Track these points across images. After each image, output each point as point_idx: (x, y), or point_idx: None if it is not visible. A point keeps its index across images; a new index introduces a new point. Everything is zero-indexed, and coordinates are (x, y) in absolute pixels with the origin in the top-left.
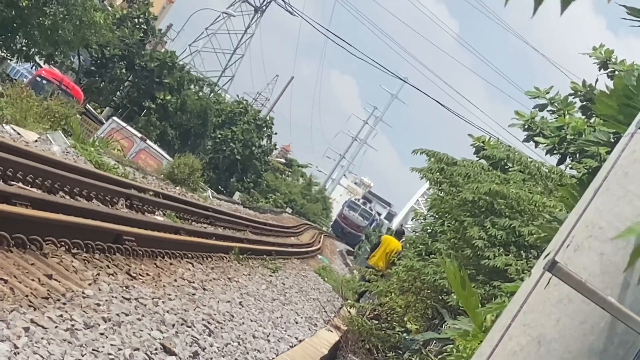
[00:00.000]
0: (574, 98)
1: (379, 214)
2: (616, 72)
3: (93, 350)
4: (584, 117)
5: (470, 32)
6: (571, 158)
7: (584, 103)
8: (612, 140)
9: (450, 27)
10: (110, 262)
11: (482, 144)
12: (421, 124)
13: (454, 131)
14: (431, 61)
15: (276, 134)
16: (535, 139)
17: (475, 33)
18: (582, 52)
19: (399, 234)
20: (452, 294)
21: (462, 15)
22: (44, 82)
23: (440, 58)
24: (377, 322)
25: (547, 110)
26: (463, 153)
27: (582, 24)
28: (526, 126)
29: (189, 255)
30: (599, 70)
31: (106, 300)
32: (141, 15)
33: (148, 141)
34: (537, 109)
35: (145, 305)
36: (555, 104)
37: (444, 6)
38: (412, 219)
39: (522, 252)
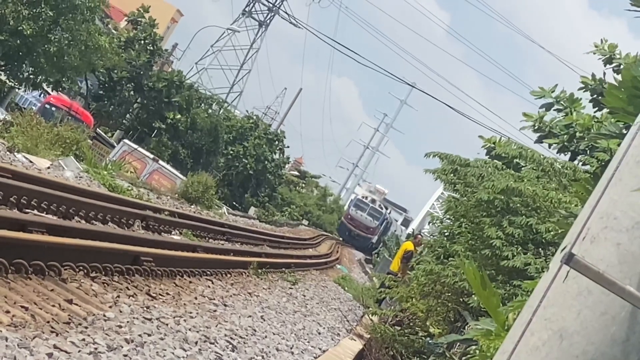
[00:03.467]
0: (584, 92)
1: (396, 220)
2: (622, 66)
3: None
4: (595, 109)
5: (459, 23)
6: (582, 154)
7: (594, 97)
8: (624, 132)
9: (441, 19)
10: (129, 283)
11: (493, 145)
12: (423, 124)
13: (455, 129)
14: (425, 57)
15: (288, 147)
16: (546, 140)
17: (464, 24)
18: (587, 52)
19: (409, 237)
20: (473, 296)
21: (451, 6)
22: (53, 109)
23: (434, 53)
24: (399, 328)
25: (554, 109)
26: (467, 150)
27: (565, 5)
28: (536, 127)
29: (208, 272)
30: (604, 65)
31: (128, 322)
32: (146, 37)
33: (160, 161)
34: (543, 109)
35: (167, 325)
36: (562, 102)
37: None
38: (428, 223)
39: (540, 249)
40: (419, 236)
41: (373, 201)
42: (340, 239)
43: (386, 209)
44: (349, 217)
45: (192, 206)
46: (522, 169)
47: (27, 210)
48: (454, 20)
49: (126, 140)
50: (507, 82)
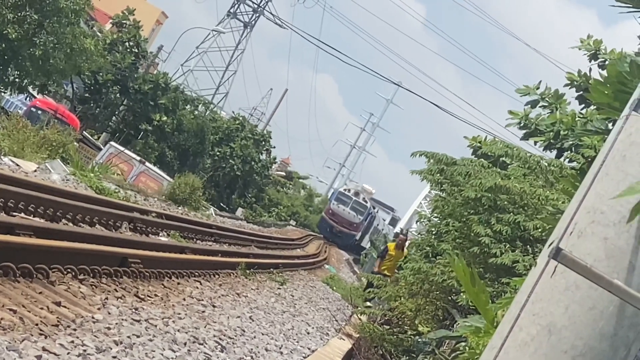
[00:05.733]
0: (570, 88)
1: (384, 220)
2: (606, 62)
3: None
4: (581, 106)
5: (434, 16)
6: (569, 151)
7: (580, 93)
8: (610, 128)
9: (417, 12)
10: (117, 285)
11: (478, 144)
12: (406, 121)
13: (437, 123)
14: (404, 53)
15: (274, 147)
16: (532, 137)
17: (439, 16)
18: (572, 47)
19: (396, 236)
20: (462, 294)
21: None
22: (39, 112)
23: (413, 48)
24: (388, 327)
25: (540, 106)
26: (449, 143)
27: None
28: (522, 124)
29: (196, 273)
30: (590, 61)
31: (116, 324)
32: (131, 39)
33: (147, 163)
34: (529, 106)
35: (155, 326)
36: (547, 99)
37: None
38: (416, 222)
39: (528, 246)
40: (401, 236)
41: (356, 194)
42: (321, 236)
43: (373, 208)
44: (330, 212)
45: (180, 207)
46: (509, 167)
47: (14, 214)
48: (429, 12)
49: (113, 143)
50: (483, 74)
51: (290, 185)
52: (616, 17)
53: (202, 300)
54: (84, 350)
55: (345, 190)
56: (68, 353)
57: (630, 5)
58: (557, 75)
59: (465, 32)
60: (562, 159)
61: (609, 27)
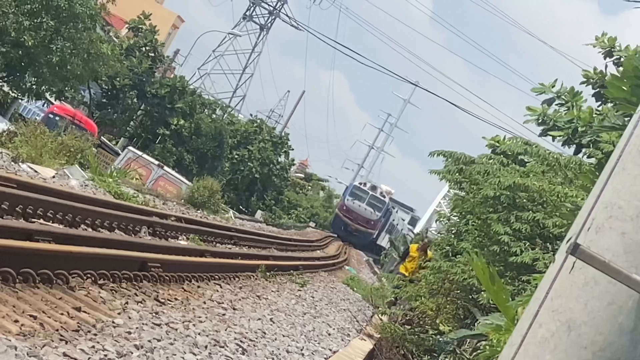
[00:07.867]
0: (586, 86)
1: (403, 220)
2: (622, 59)
3: None
4: (598, 103)
5: (440, 9)
6: (587, 147)
7: (597, 90)
8: (627, 124)
9: (424, 6)
10: (137, 289)
11: (496, 143)
12: (419, 120)
13: (448, 119)
14: (410, 47)
15: (293, 149)
16: (550, 132)
17: (444, 9)
18: (586, 43)
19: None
20: (482, 292)
21: None
22: (57, 118)
23: (420, 43)
24: (409, 327)
25: (556, 104)
26: (461, 139)
27: None
28: (540, 120)
29: (216, 276)
30: (604, 58)
31: (137, 328)
32: (148, 43)
33: (165, 168)
34: (545, 104)
35: (176, 330)
36: (563, 97)
37: None
38: (436, 221)
39: (548, 244)
40: (426, 239)
41: (373, 188)
42: (335, 235)
43: (393, 208)
44: (345, 209)
45: (199, 211)
46: (527, 163)
47: (33, 220)
48: (435, 6)
49: (131, 148)
50: (491, 67)
51: (309, 187)
52: (615, 7)
53: (223, 303)
54: (105, 355)
55: (360, 184)
56: (89, 358)
57: None
58: (562, 66)
59: (471, 25)
60: (580, 155)
61: (609, 17)
